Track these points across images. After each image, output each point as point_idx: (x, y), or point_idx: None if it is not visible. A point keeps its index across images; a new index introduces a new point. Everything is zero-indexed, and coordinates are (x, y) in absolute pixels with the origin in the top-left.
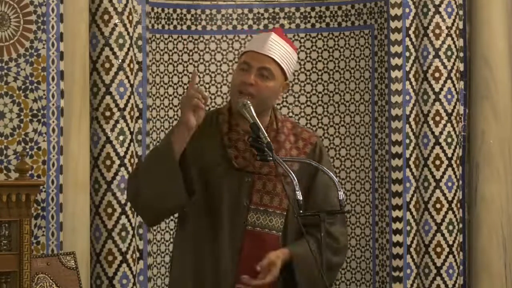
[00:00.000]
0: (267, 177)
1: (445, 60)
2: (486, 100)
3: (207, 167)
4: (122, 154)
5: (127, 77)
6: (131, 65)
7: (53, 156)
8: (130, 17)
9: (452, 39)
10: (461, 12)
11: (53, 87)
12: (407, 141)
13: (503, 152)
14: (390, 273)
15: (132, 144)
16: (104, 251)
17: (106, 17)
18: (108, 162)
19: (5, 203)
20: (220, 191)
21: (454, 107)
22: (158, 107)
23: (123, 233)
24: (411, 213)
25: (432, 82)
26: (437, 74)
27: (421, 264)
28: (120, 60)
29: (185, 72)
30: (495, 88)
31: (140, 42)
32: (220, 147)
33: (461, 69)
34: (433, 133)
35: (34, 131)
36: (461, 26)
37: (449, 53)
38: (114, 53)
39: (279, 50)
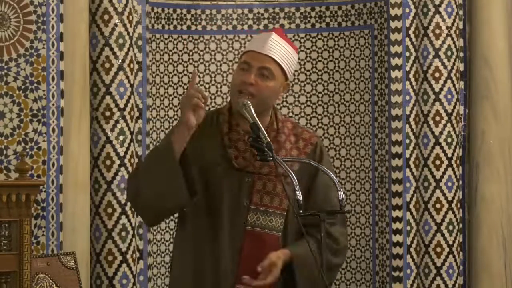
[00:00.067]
0: (267, 177)
1: (445, 60)
2: (486, 100)
3: (207, 167)
4: (122, 154)
5: (127, 77)
6: (131, 65)
7: (53, 156)
8: (130, 17)
9: (452, 39)
10: (461, 12)
11: (53, 87)
12: (407, 141)
13: (503, 152)
14: (390, 273)
15: (132, 144)
16: (104, 251)
17: (106, 17)
18: (108, 162)
19: (5, 203)
20: (220, 191)
21: (454, 107)
22: (158, 107)
23: (123, 233)
24: (411, 213)
25: (432, 82)
26: (437, 74)
27: (421, 264)
28: (120, 60)
29: (185, 72)
30: (495, 88)
31: (140, 42)
32: (220, 147)
33: (461, 69)
34: (433, 133)
35: (34, 131)
36: (461, 26)
37: (449, 53)
38: (114, 53)
39: (280, 50)
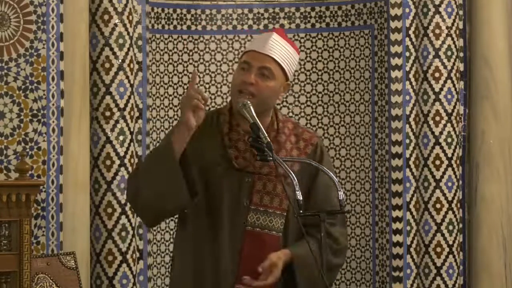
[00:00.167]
0: (267, 177)
1: (445, 60)
2: (486, 100)
3: (207, 167)
4: (122, 154)
5: (127, 77)
6: (131, 65)
7: (53, 156)
8: (130, 17)
9: (452, 39)
10: (461, 12)
11: (53, 87)
12: (407, 141)
13: (503, 152)
14: (390, 273)
15: (132, 144)
16: (104, 251)
17: (106, 17)
18: (108, 162)
19: (5, 203)
20: (220, 191)
21: (454, 107)
22: (158, 107)
23: (123, 233)
24: (411, 213)
25: (432, 82)
26: (437, 74)
27: (421, 264)
28: (120, 60)
29: (185, 72)
30: (495, 88)
31: (140, 42)
32: (220, 147)
33: (461, 69)
34: (433, 133)
35: (34, 131)
36: (461, 26)
37: (449, 53)
38: (114, 53)
39: (280, 50)
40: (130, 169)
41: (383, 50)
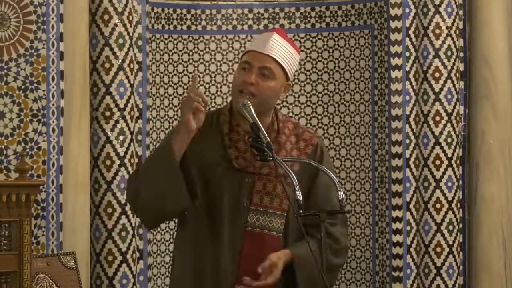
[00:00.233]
0: (267, 177)
1: (445, 60)
2: (486, 100)
3: (207, 167)
4: (122, 154)
5: (127, 77)
6: (131, 65)
7: (53, 156)
8: (130, 17)
9: (452, 39)
10: (461, 12)
11: (53, 87)
12: (407, 141)
13: (503, 152)
14: (390, 273)
15: (132, 144)
16: (104, 251)
17: (106, 17)
18: (108, 162)
19: (5, 203)
20: (220, 191)
21: (454, 107)
22: (158, 107)
23: (123, 233)
24: (411, 213)
25: (432, 82)
26: (437, 74)
27: (421, 264)
28: (120, 60)
29: (185, 72)
30: (495, 88)
31: (140, 42)
32: (220, 147)
33: (461, 69)
34: (433, 133)
35: (34, 131)
36: (461, 26)
37: (449, 53)
38: (114, 53)
39: (281, 50)
40: (130, 169)
41: (383, 50)
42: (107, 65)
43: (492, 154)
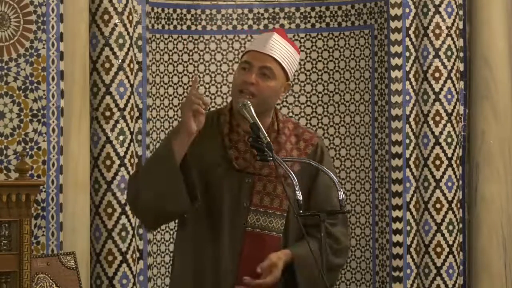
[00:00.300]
0: (267, 178)
1: (445, 60)
2: (486, 100)
3: (207, 168)
4: (122, 154)
5: (127, 77)
6: (131, 65)
7: (53, 156)
8: (130, 17)
9: (452, 39)
10: (461, 12)
11: (53, 87)
12: (407, 141)
13: (503, 152)
14: (390, 273)
15: (132, 144)
16: (104, 251)
17: (106, 17)
18: (108, 162)
19: (5, 203)
20: (220, 192)
21: (454, 107)
22: (158, 107)
23: (123, 233)
24: (411, 213)
25: (432, 82)
26: (437, 74)
27: (421, 264)
28: (120, 60)
29: (185, 72)
30: (495, 88)
31: (140, 42)
32: (220, 148)
33: (461, 69)
34: (433, 133)
35: (34, 131)
36: (461, 26)
37: (449, 53)
38: (114, 53)
39: (281, 49)
40: (130, 169)
41: (383, 50)
42: (107, 65)
43: (492, 154)
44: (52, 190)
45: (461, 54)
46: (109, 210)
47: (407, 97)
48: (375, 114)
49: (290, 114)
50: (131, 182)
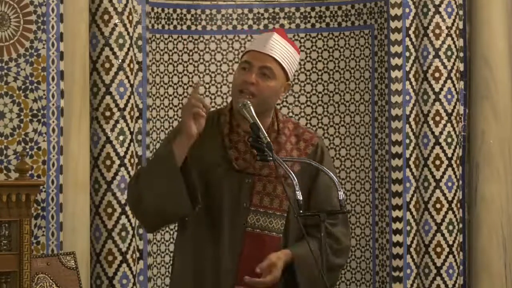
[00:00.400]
0: (267, 178)
1: (445, 60)
2: (486, 100)
3: (207, 169)
4: (122, 154)
5: (127, 77)
6: (131, 65)
7: (53, 156)
8: (130, 17)
9: (452, 39)
10: (461, 12)
11: (53, 87)
12: (407, 141)
13: (503, 152)
14: (390, 273)
15: (132, 144)
16: (104, 251)
17: (106, 17)
18: (108, 162)
19: (5, 203)
20: (220, 192)
21: (454, 107)
22: (158, 107)
23: (123, 233)
24: (411, 213)
25: (432, 82)
26: (437, 74)
27: (421, 264)
28: (120, 60)
29: (185, 72)
30: (495, 88)
31: (140, 42)
32: (220, 148)
33: (461, 69)
34: (433, 133)
35: (34, 131)
36: (461, 26)
37: (449, 53)
38: (114, 53)
39: (281, 49)
40: (130, 169)
41: (383, 50)
42: (107, 65)
43: (492, 154)
44: (52, 190)
45: (461, 54)
46: (109, 210)
47: (407, 97)
48: (375, 114)
49: (290, 114)
50: (132, 186)
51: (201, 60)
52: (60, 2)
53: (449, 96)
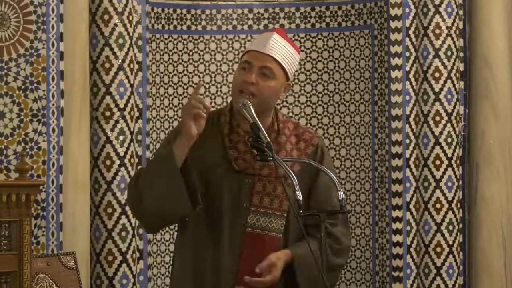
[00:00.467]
0: (267, 178)
1: (445, 60)
2: (486, 100)
3: (207, 169)
4: (122, 154)
5: (127, 77)
6: (131, 65)
7: (53, 156)
8: (130, 17)
9: (452, 39)
10: (461, 12)
11: (53, 87)
12: (407, 141)
13: (503, 152)
14: (390, 273)
15: (132, 144)
16: (104, 251)
17: (106, 17)
18: (108, 162)
19: (5, 203)
20: (220, 192)
21: (454, 107)
22: (158, 107)
23: (123, 233)
24: (411, 213)
25: (432, 82)
26: (437, 74)
27: (421, 264)
28: (120, 60)
29: (185, 72)
30: (495, 88)
31: (140, 42)
32: (220, 148)
33: (461, 69)
34: (433, 133)
35: (34, 131)
36: (461, 26)
37: (449, 53)
38: (114, 53)
39: (281, 49)
40: (130, 169)
41: (383, 50)
42: (107, 65)
43: (492, 154)
44: (52, 190)
45: (461, 54)
46: (109, 210)
47: (407, 97)
48: (375, 114)
49: (290, 114)
50: (132, 185)
51: (201, 60)
52: (60, 2)
53: (449, 96)
